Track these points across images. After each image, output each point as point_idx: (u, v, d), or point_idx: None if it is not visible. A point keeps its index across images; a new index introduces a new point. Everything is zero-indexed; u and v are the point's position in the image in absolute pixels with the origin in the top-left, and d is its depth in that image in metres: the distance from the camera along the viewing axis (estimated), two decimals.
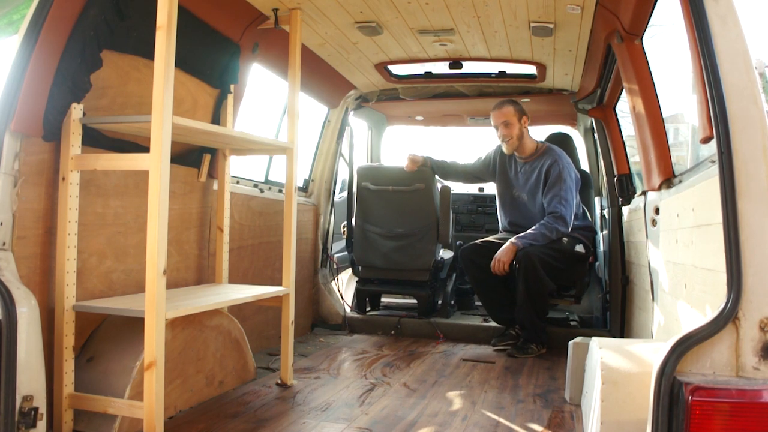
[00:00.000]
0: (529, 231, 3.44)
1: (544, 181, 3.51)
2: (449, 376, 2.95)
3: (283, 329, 2.72)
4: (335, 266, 4.46)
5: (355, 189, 4.33)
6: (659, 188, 2.55)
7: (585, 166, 4.54)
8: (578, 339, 2.55)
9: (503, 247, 3.40)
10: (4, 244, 1.83)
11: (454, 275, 4.37)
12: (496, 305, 3.67)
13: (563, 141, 4.44)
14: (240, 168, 3.18)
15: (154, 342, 1.87)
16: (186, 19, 2.27)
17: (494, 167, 3.83)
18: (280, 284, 2.76)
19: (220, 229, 2.84)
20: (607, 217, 3.90)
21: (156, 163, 1.88)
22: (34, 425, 1.67)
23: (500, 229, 3.89)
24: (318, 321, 4.18)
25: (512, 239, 3.41)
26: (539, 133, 5.00)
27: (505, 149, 3.63)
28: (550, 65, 3.58)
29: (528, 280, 3.34)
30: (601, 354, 1.79)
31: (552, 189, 3.47)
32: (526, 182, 3.64)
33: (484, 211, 5.12)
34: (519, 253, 3.35)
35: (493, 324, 3.94)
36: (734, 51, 1.35)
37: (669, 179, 2.48)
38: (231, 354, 2.65)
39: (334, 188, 4.47)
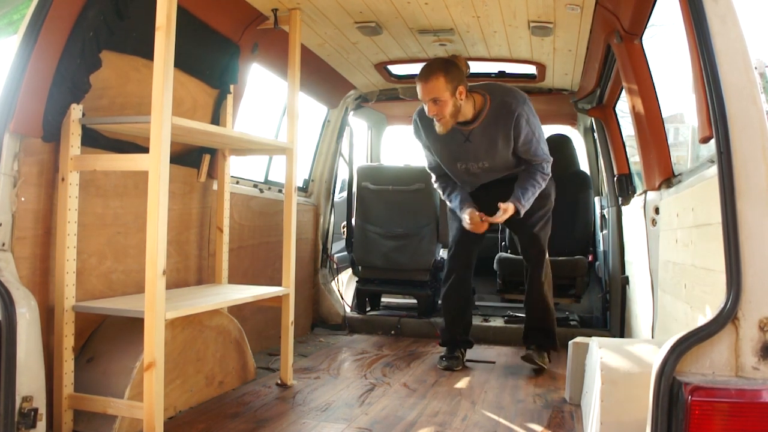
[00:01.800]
0: (522, 190, 2.89)
1: (514, 138, 2.82)
2: (449, 376, 2.95)
3: (283, 329, 2.72)
4: (335, 266, 4.46)
5: (355, 189, 4.33)
6: (659, 188, 2.55)
7: (585, 166, 4.54)
8: (578, 339, 2.55)
9: (505, 208, 2.84)
10: (3, 244, 1.83)
11: None
12: (458, 322, 3.22)
13: (562, 142, 4.45)
14: (240, 168, 3.19)
15: (154, 342, 1.87)
16: (185, 19, 2.27)
17: (426, 142, 3.01)
18: (280, 284, 2.76)
19: (219, 229, 2.84)
20: (607, 217, 3.90)
21: (155, 163, 1.88)
22: (33, 426, 1.67)
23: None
24: (318, 321, 4.17)
25: (512, 201, 2.86)
26: None
27: (438, 129, 2.79)
28: (550, 65, 3.58)
29: (534, 311, 3.16)
30: (601, 354, 1.79)
31: (530, 144, 2.85)
32: (481, 148, 2.89)
33: None
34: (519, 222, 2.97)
35: (493, 324, 3.95)
36: (734, 51, 1.35)
37: (669, 179, 2.48)
38: (231, 354, 2.65)
39: (334, 188, 4.47)
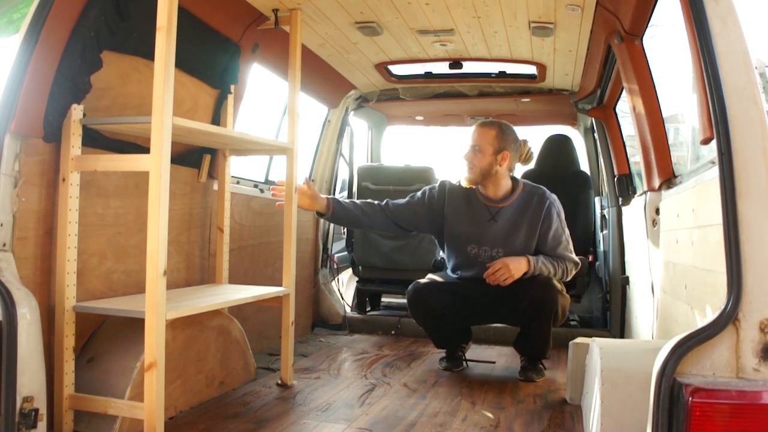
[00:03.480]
0: (544, 260, 2.79)
1: (542, 232, 2.80)
2: (449, 377, 2.95)
3: (284, 329, 2.72)
4: (335, 266, 4.47)
5: (355, 189, 4.33)
6: (659, 188, 2.55)
7: (585, 166, 4.54)
8: (578, 339, 2.55)
9: (514, 259, 2.76)
10: (4, 245, 1.83)
11: None
12: (450, 338, 3.13)
13: (563, 142, 4.45)
14: (240, 168, 3.19)
15: (155, 343, 1.87)
16: (186, 19, 2.26)
17: (441, 210, 2.94)
18: (280, 284, 2.76)
19: (220, 229, 2.84)
20: (607, 217, 3.90)
21: (156, 163, 1.88)
22: (34, 426, 1.67)
23: (450, 272, 3.14)
24: (318, 321, 4.18)
25: (527, 256, 2.79)
26: (540, 132, 5.00)
27: (463, 180, 2.81)
28: (550, 65, 3.58)
29: (533, 342, 2.92)
30: (602, 355, 1.79)
31: (559, 240, 2.81)
32: (503, 232, 2.83)
33: None
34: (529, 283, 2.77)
35: (493, 324, 3.93)
36: (734, 51, 1.35)
37: (669, 179, 2.48)
38: (231, 354, 2.65)
39: (334, 188, 4.47)
